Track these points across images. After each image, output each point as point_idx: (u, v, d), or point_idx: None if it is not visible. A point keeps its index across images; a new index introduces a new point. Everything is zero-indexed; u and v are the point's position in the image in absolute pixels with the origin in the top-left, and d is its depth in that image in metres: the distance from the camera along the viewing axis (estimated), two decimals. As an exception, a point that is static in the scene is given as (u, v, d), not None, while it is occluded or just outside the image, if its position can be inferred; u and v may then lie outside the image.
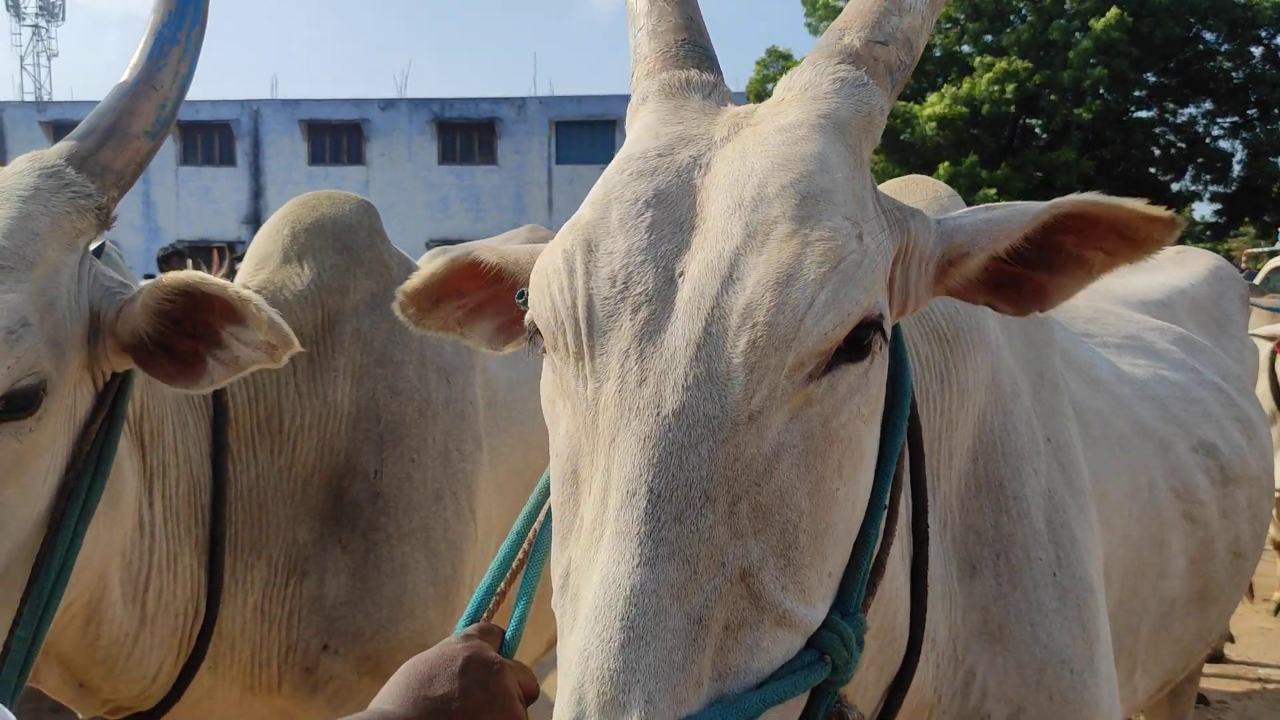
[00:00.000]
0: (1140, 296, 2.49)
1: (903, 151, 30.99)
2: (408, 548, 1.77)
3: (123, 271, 5.54)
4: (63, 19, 49.83)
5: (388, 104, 34.47)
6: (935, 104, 30.70)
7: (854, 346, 0.96)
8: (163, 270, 10.42)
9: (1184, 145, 36.08)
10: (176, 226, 34.45)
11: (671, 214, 1.00)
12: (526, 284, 1.10)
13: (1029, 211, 1.09)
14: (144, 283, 1.53)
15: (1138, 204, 1.05)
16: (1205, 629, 2.17)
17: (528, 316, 1.05)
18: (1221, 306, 2.68)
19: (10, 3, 47.91)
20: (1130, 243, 1.08)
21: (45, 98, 42.93)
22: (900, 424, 1.11)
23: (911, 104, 31.57)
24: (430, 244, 22.66)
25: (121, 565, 1.53)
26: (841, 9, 1.24)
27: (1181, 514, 1.97)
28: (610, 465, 0.91)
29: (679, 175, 1.03)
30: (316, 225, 1.96)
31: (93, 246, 1.47)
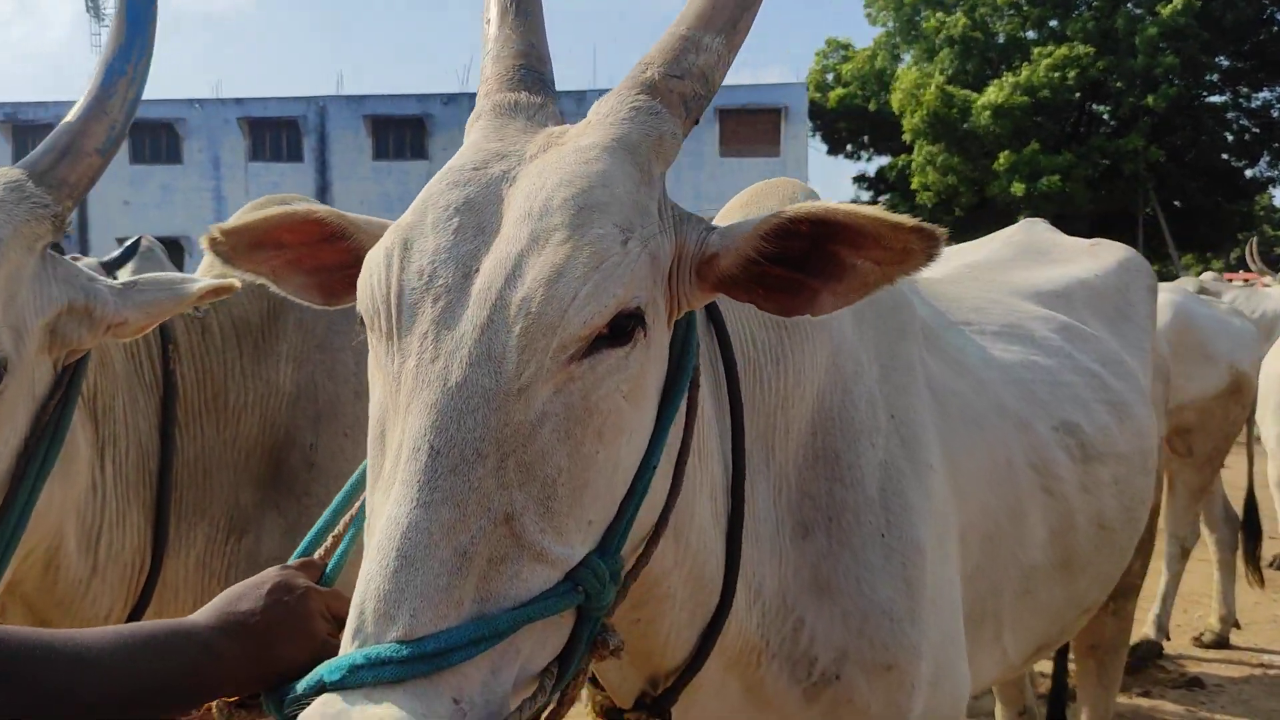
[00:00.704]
0: (1038, 288, 2.64)
1: (962, 141, 30.70)
2: (334, 511, 2.02)
3: (162, 264, 5.86)
4: (140, 19, 51.14)
5: (450, 99, 35.02)
6: (994, 93, 30.31)
7: (617, 333, 1.15)
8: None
9: (1258, 130, 35.11)
10: (246, 220, 35.37)
11: (476, 219, 1.20)
12: (364, 247, 1.31)
13: (760, 223, 1.26)
14: (106, 280, 1.77)
15: (875, 211, 1.21)
16: (1076, 596, 2.32)
17: (356, 304, 1.26)
18: (1127, 296, 2.79)
19: (90, 3, 49.32)
20: (892, 253, 1.21)
21: (123, 96, 44.26)
22: (676, 400, 1.28)
23: (970, 93, 31.23)
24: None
25: (76, 520, 1.78)
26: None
27: (1040, 488, 2.13)
28: (405, 427, 1.11)
29: (488, 187, 1.23)
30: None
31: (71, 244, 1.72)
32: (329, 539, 1.38)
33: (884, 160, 38.17)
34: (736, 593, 1.55)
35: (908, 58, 35.35)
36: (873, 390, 1.81)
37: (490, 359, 1.10)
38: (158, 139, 35.03)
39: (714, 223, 1.39)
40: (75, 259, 1.95)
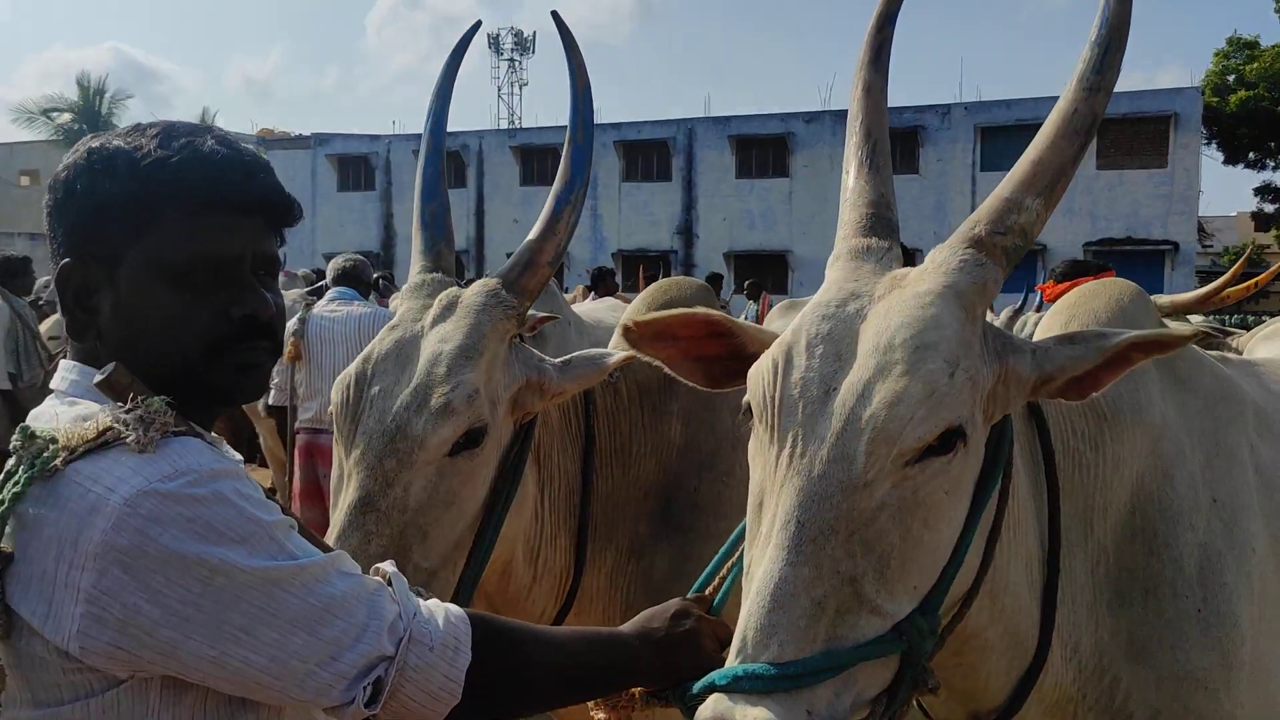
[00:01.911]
0: None
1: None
2: (712, 544, 2.45)
3: (555, 296, 6.79)
4: (533, 52, 56.01)
5: (812, 117, 35.49)
6: None
7: (943, 444, 1.48)
8: (594, 285, 11.91)
9: None
10: (618, 237, 37.65)
11: (836, 349, 1.56)
12: (744, 347, 1.73)
13: (1102, 348, 1.55)
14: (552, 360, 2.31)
15: (1181, 331, 1.49)
16: None
17: (745, 398, 1.66)
18: None
19: (491, 40, 54.56)
20: (1164, 348, 1.56)
21: (516, 124, 48.71)
22: (989, 489, 1.57)
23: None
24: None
25: (523, 541, 2.33)
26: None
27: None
28: (779, 501, 1.50)
29: (845, 322, 1.58)
30: (667, 305, 2.69)
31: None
32: (716, 580, 1.80)
33: (1292, 169, 34.40)
34: (1052, 649, 1.82)
35: (1326, 54, 31.68)
36: (1194, 475, 1.99)
37: (844, 459, 1.45)
38: (544, 163, 38.03)
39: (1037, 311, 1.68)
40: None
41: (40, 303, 9.99)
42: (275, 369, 5.63)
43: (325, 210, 40.72)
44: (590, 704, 1.65)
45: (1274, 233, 37.54)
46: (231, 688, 1.21)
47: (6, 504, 1.16)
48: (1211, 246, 39.21)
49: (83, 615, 1.12)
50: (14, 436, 1.22)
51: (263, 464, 8.75)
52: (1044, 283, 5.83)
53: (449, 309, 2.15)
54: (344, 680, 1.22)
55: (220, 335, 1.31)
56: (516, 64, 55.04)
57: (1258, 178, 37.68)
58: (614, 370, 2.29)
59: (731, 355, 1.81)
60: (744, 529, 1.72)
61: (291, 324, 5.65)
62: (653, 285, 2.88)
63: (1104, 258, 31.72)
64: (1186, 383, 2.09)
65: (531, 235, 2.29)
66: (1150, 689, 1.88)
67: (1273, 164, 36.12)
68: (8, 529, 1.16)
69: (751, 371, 1.64)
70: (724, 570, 1.81)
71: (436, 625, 1.31)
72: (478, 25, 2.60)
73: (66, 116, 40.06)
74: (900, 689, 1.49)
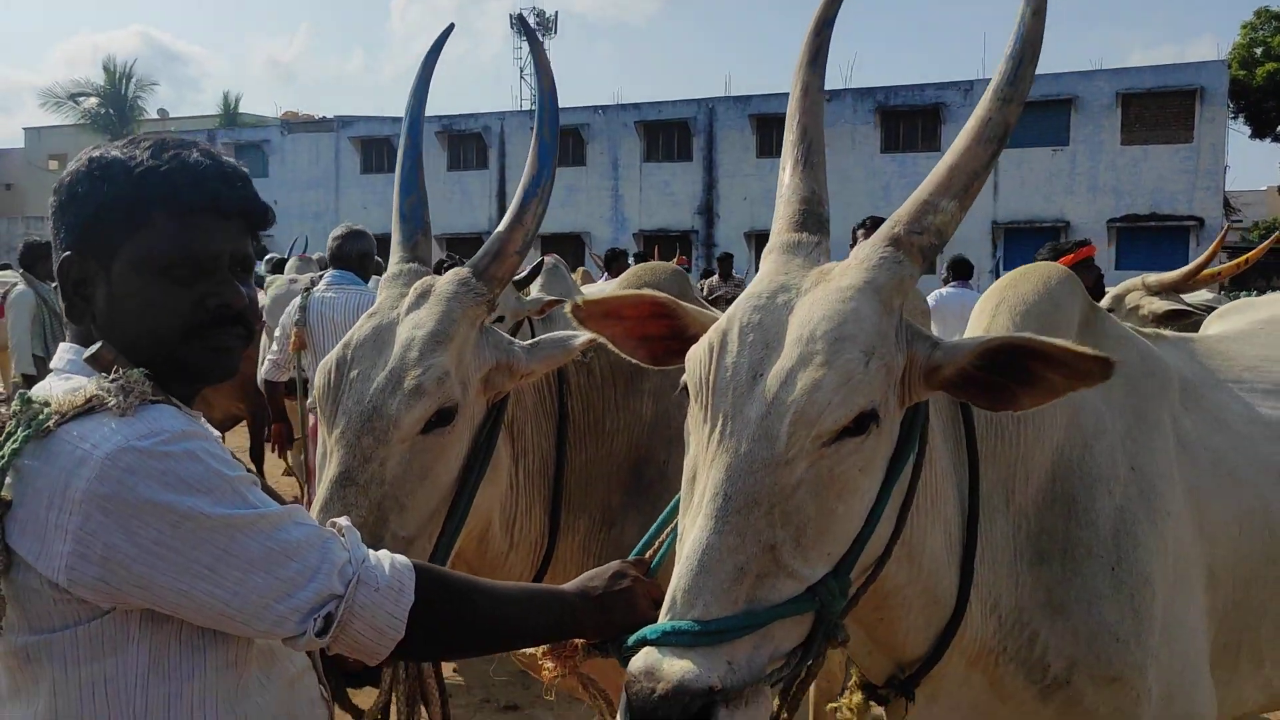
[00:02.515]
0: None
1: None
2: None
3: (564, 279, 6.99)
4: (555, 32, 55.96)
5: (833, 95, 35.32)
6: None
7: (857, 426, 1.62)
8: (608, 265, 12.05)
9: None
10: (639, 218, 37.74)
11: (764, 337, 1.69)
12: (685, 328, 1.88)
13: (974, 345, 1.68)
14: (520, 343, 2.47)
15: (1064, 343, 1.60)
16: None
17: (683, 378, 1.81)
18: None
19: (514, 20, 54.51)
20: (1076, 372, 1.59)
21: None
22: (900, 468, 1.71)
23: None
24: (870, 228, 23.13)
25: (499, 511, 2.49)
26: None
27: (1301, 537, 2.31)
28: (709, 475, 1.65)
29: (775, 312, 1.71)
30: (637, 275, 2.85)
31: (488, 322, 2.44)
32: (655, 546, 1.97)
33: (1321, 141, 34.00)
34: (970, 606, 1.97)
35: (1354, 24, 31.25)
36: (1114, 444, 2.13)
37: (768, 439, 1.60)
38: (565, 143, 38.15)
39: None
40: None
41: (66, 288, 10.25)
42: (283, 353, 5.73)
43: (349, 193, 41.09)
44: (539, 656, 1.82)
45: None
46: (201, 619, 1.39)
47: (6, 458, 1.35)
48: (1240, 222, 38.84)
49: (70, 553, 1.31)
50: (13, 403, 1.42)
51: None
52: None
53: (423, 297, 2.32)
54: (298, 614, 1.41)
55: (197, 322, 1.50)
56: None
57: (1286, 151, 37.27)
58: (584, 351, 2.45)
59: (673, 335, 1.96)
60: (678, 502, 1.87)
61: (292, 313, 5.69)
62: (629, 269, 3.04)
63: (1128, 234, 31.55)
64: (1111, 360, 2.22)
65: (500, 226, 2.45)
66: (1067, 641, 2.03)
67: (1301, 137, 35.76)
68: (7, 480, 1.35)
69: (690, 354, 1.79)
70: (662, 537, 1.97)
71: (383, 570, 1.49)
72: (451, 28, 2.75)
73: (93, 101, 40.55)
74: (814, 643, 1.65)
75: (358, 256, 5.78)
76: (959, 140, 1.81)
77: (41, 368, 8.06)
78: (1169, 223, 31.47)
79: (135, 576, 1.33)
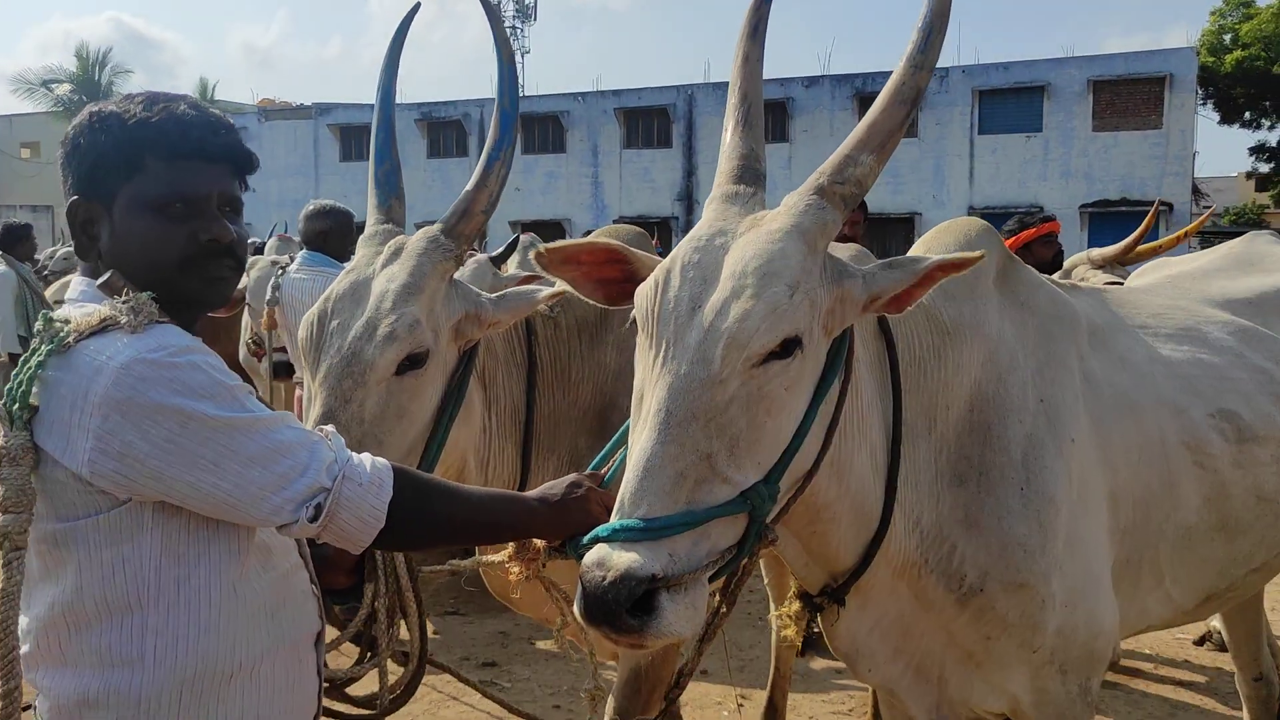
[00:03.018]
0: (1230, 295, 2.96)
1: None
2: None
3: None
4: (534, 19, 55.78)
5: (811, 81, 35.55)
6: None
7: (784, 351, 1.84)
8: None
9: None
10: (619, 204, 37.74)
11: (703, 274, 1.91)
12: (636, 272, 2.08)
13: (915, 270, 1.91)
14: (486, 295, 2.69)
15: (957, 257, 1.87)
16: (1240, 556, 2.71)
17: (632, 312, 2.02)
18: (1323, 304, 3.04)
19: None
20: (959, 267, 1.91)
21: (521, 93, 48.60)
22: (824, 389, 1.92)
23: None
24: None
25: (473, 453, 2.71)
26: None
27: (1191, 462, 2.55)
28: (653, 394, 1.86)
29: (713, 252, 1.93)
30: (609, 233, 3.07)
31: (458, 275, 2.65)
32: (610, 462, 2.19)
33: (1287, 128, 34.52)
34: (894, 522, 2.21)
35: (1321, 12, 31.71)
36: (1025, 379, 2.38)
37: (704, 361, 1.81)
38: (545, 130, 38.16)
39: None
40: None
41: (45, 272, 10.40)
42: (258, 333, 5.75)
43: (328, 180, 40.92)
44: (506, 560, 2.04)
45: (1270, 192, 37.66)
46: (207, 509, 1.60)
47: (33, 369, 1.56)
48: (1210, 207, 39.34)
49: (91, 449, 1.50)
50: (37, 323, 1.63)
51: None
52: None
53: (396, 254, 2.53)
54: (291, 504, 1.62)
55: (191, 254, 1.70)
56: (519, 31, 54.84)
57: (1253, 138, 37.84)
58: (551, 305, 2.67)
59: (626, 279, 2.17)
60: (629, 425, 2.09)
61: (265, 292, 5.72)
62: (597, 230, 3.25)
63: (1099, 219, 31.89)
64: (1025, 304, 2.48)
65: (467, 187, 2.66)
66: (981, 553, 2.27)
67: (1268, 123, 36.27)
68: (35, 389, 1.56)
69: (638, 290, 2.00)
70: (615, 455, 2.19)
71: (365, 468, 1.70)
72: (417, 6, 2.95)
73: (66, 87, 40.24)
74: (747, 541, 1.86)
75: (321, 235, 5.76)
76: (877, 102, 2.03)
77: (26, 347, 8.20)
78: (1139, 207, 31.76)
79: (149, 470, 1.53)
